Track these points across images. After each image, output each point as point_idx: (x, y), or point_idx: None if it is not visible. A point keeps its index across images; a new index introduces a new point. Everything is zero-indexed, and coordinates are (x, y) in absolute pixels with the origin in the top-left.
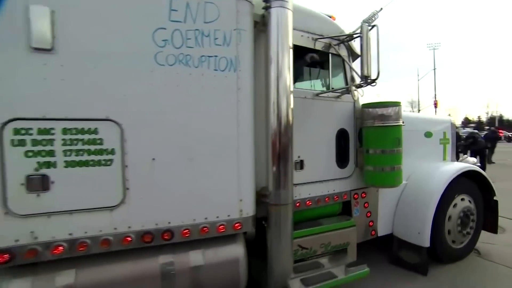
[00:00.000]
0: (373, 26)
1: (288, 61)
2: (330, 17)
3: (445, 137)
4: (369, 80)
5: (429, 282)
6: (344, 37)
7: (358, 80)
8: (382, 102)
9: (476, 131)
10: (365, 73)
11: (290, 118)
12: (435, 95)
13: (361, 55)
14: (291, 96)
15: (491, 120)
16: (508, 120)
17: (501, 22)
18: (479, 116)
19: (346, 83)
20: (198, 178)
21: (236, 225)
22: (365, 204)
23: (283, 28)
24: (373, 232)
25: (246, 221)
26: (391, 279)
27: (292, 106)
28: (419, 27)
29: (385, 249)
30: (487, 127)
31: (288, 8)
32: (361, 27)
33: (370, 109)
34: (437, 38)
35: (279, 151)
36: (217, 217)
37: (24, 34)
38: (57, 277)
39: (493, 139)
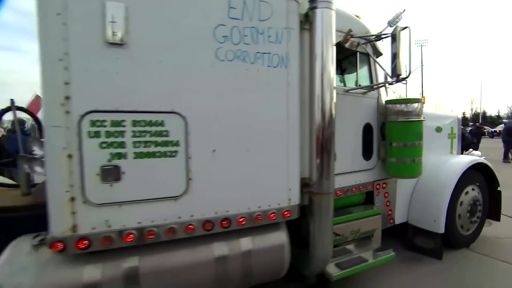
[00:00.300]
0: (405, 27)
1: (331, 57)
2: (357, 16)
3: (452, 132)
4: (400, 78)
5: (442, 264)
6: (373, 37)
7: (381, 78)
8: (405, 99)
9: (462, 127)
10: (397, 71)
11: (333, 112)
12: (422, 91)
13: (394, 55)
14: (334, 91)
15: (475, 116)
16: (491, 117)
17: (488, 18)
18: (463, 112)
19: (371, 80)
20: (252, 168)
21: (285, 213)
22: (385, 194)
23: (328, 27)
24: (391, 221)
25: (294, 209)
26: (407, 263)
27: (335, 100)
28: (407, 23)
29: (396, 237)
30: (471, 123)
31: (332, 9)
32: (395, 28)
33: (394, 105)
34: (424, 34)
35: (322, 143)
36: (269, 205)
37: (100, 29)
38: (123, 263)
39: (478, 134)
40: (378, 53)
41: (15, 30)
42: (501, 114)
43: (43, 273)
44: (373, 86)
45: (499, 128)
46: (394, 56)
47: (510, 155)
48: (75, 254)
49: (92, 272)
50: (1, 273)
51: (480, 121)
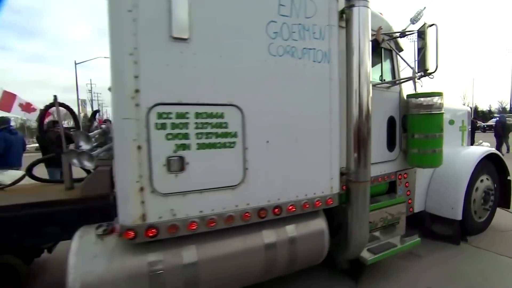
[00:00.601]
0: (433, 24)
1: (368, 52)
2: (380, 13)
3: (463, 124)
4: (427, 72)
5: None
6: (398, 33)
7: (403, 73)
8: (428, 93)
9: None
10: (425, 66)
11: (370, 104)
12: (415, 87)
13: (422, 50)
14: (370, 85)
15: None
16: (482, 111)
17: (479, 13)
18: None
19: (393, 75)
20: (301, 158)
21: (329, 200)
22: (406, 184)
23: (365, 24)
24: (411, 209)
25: (335, 197)
26: (427, 249)
27: (371, 94)
28: (399, 16)
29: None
30: None
31: (368, 7)
32: (423, 25)
33: (417, 99)
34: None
35: (360, 134)
36: (314, 193)
37: (166, 25)
38: (182, 252)
39: (472, 129)
40: (399, 49)
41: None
42: (493, 108)
43: (112, 260)
44: (401, 80)
45: (491, 122)
46: (421, 52)
47: (505, 148)
48: (139, 243)
49: (155, 259)
50: (74, 262)
51: (472, 116)
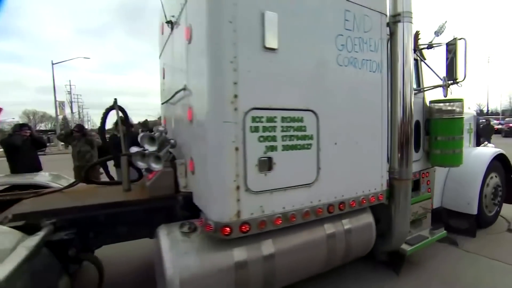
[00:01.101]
0: (462, 38)
1: (411, 63)
2: None
3: (470, 127)
4: (457, 81)
5: (433, 263)
6: (426, 45)
7: (427, 81)
8: (450, 99)
9: None
10: (455, 75)
11: (412, 109)
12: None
13: (452, 60)
14: (413, 92)
15: None
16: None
17: (460, 17)
18: None
19: (418, 82)
20: (360, 158)
21: (380, 196)
22: (427, 182)
23: (408, 37)
24: (431, 205)
25: (384, 193)
26: (423, 256)
27: (413, 100)
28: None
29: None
30: None
31: (411, 22)
32: (454, 38)
33: (441, 104)
34: None
35: (404, 136)
36: (369, 190)
37: (260, 35)
38: (262, 246)
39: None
40: (423, 58)
41: None
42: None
43: (202, 256)
44: (432, 87)
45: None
46: (452, 62)
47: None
48: (223, 239)
49: (239, 254)
50: (170, 258)
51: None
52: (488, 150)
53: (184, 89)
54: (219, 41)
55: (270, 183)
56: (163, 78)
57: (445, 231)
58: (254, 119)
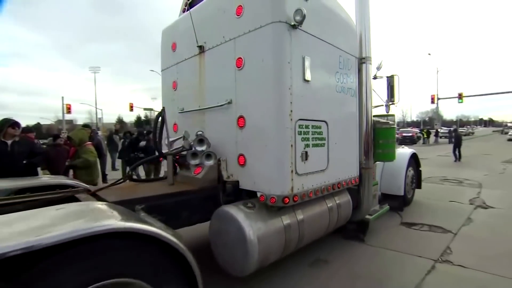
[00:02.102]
0: (396, 75)
1: (371, 89)
2: None
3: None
4: (394, 102)
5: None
6: (375, 77)
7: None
8: (385, 115)
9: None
10: (393, 99)
11: (372, 121)
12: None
13: (392, 88)
14: (372, 110)
15: None
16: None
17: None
18: None
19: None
20: (347, 153)
21: (356, 179)
22: (373, 173)
23: (369, 73)
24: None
25: (358, 178)
26: (334, 254)
27: (373, 114)
28: None
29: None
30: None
31: (371, 63)
32: (392, 75)
33: (382, 117)
34: None
35: (368, 138)
36: (351, 175)
37: (302, 72)
38: (297, 215)
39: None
40: None
41: None
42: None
43: (266, 222)
44: (379, 106)
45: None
46: (391, 89)
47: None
48: (277, 209)
49: (287, 219)
50: (248, 225)
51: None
52: (408, 150)
53: (229, 102)
54: (284, 75)
55: (306, 168)
56: (174, 89)
57: (388, 206)
58: (300, 126)
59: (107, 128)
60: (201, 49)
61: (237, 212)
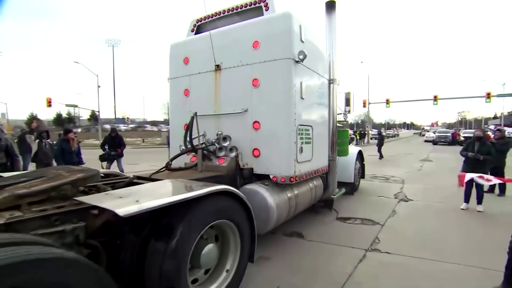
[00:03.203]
0: (350, 91)
1: (336, 102)
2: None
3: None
4: (349, 112)
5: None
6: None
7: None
8: (343, 121)
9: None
10: (349, 109)
11: (336, 125)
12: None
13: (348, 101)
14: (337, 117)
15: None
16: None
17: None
18: None
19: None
20: (322, 149)
21: (326, 168)
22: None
23: (335, 91)
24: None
25: (327, 167)
26: (275, 250)
27: (337, 119)
28: None
29: None
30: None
31: (338, 84)
32: (348, 92)
33: (340, 123)
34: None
35: (334, 138)
36: (324, 164)
37: (300, 92)
38: (294, 190)
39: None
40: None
41: None
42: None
43: (278, 194)
44: (340, 113)
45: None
46: (347, 102)
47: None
48: (283, 186)
49: (289, 193)
50: (269, 196)
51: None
52: (356, 148)
53: (246, 110)
54: (291, 95)
55: (302, 158)
56: (187, 96)
57: (344, 189)
58: (299, 129)
59: (13, 126)
60: (218, 67)
61: (259, 188)
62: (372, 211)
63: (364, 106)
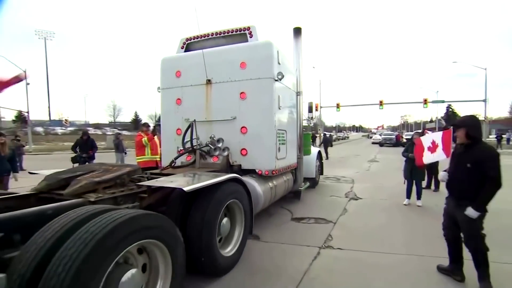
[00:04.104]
0: (312, 101)
1: (303, 110)
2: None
3: (309, 138)
4: (312, 117)
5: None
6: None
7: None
8: (307, 126)
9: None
10: (312, 115)
11: (302, 129)
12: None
13: (310, 108)
14: (303, 122)
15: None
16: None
17: None
18: None
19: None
20: (293, 149)
21: (295, 165)
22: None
23: (302, 99)
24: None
25: (296, 164)
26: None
27: (304, 124)
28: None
29: None
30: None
31: (302, 95)
32: (311, 102)
33: (305, 127)
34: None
35: (301, 140)
36: (294, 162)
37: (278, 103)
38: (273, 181)
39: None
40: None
41: None
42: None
43: (263, 184)
44: (305, 119)
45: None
46: (310, 109)
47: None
48: (266, 178)
49: (270, 184)
50: (258, 185)
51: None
52: (316, 149)
53: (234, 118)
54: (273, 106)
55: (280, 156)
56: (179, 104)
57: (308, 183)
58: (277, 133)
59: None
60: (209, 81)
61: (250, 179)
62: (325, 211)
63: (316, 110)
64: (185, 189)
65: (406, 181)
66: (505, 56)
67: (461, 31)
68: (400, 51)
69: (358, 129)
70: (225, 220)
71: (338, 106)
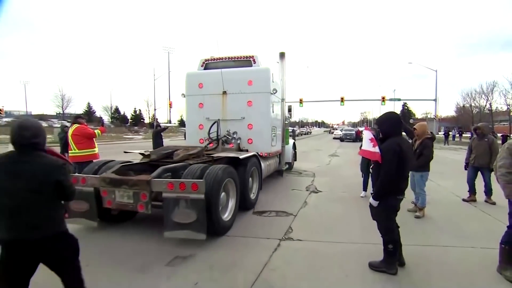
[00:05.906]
0: (290, 104)
1: (284, 109)
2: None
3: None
4: (290, 117)
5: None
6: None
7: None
8: (288, 123)
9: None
10: (290, 115)
11: (284, 125)
12: (169, 96)
13: (290, 108)
14: (286, 120)
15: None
16: None
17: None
18: None
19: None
20: (279, 140)
21: (280, 151)
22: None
23: (285, 106)
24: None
25: (280, 151)
26: (190, 249)
27: (286, 122)
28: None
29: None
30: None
31: (285, 101)
32: (290, 105)
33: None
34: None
35: (283, 134)
36: (279, 149)
37: (272, 109)
38: (267, 161)
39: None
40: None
41: None
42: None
43: (265, 161)
44: (286, 118)
45: None
46: (290, 110)
47: None
48: (264, 158)
49: (267, 162)
50: (263, 162)
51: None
52: (292, 140)
53: (243, 118)
54: (270, 111)
55: (273, 144)
56: (201, 107)
57: (287, 165)
58: (272, 128)
59: None
60: (225, 92)
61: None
62: (286, 203)
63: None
64: (241, 157)
65: (362, 174)
66: (453, 60)
67: (417, 34)
68: (361, 50)
69: (321, 124)
70: (251, 180)
71: (301, 101)
